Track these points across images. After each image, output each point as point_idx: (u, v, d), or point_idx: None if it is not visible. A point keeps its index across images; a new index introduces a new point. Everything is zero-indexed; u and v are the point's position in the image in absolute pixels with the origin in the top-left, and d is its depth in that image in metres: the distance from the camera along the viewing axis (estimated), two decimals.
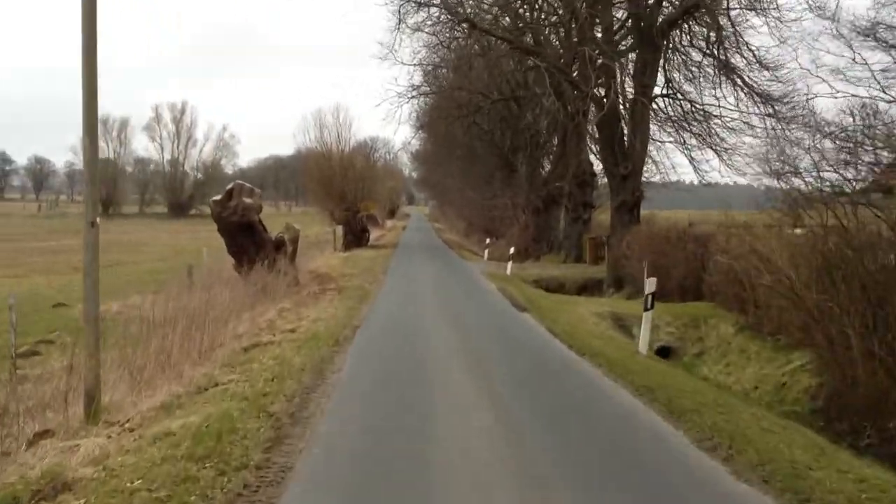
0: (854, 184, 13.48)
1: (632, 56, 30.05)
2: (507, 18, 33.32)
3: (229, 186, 20.89)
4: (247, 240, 20.73)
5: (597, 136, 35.56)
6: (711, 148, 28.40)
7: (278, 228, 23.00)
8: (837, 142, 13.15)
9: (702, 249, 20.78)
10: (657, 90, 28.51)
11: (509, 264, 28.87)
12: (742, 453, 6.33)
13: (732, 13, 25.33)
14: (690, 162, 30.59)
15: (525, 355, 11.32)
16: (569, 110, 31.68)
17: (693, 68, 27.97)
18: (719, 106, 27.02)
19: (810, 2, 21.18)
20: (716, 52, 25.67)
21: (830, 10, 18.62)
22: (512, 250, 31.81)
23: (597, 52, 26.14)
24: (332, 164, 46.02)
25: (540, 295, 22.19)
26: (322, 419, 7.32)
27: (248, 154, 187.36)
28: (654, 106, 28.73)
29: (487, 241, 42.22)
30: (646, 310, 12.35)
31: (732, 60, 25.88)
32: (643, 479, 5.79)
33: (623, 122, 27.49)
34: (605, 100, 26.57)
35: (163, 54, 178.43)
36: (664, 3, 26.93)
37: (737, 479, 5.76)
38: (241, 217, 20.39)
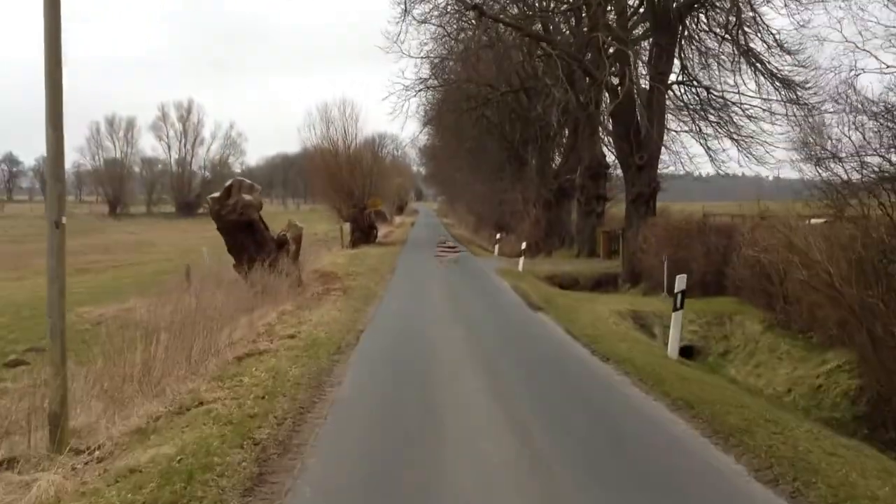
0: None
1: (644, 44, 29.06)
2: (516, 8, 32.39)
3: (228, 183, 19.98)
4: (247, 239, 19.81)
5: (610, 126, 34.62)
6: (730, 137, 27.27)
7: (285, 226, 22.09)
8: (883, 122, 11.98)
9: (724, 242, 19.74)
10: (672, 77, 27.40)
11: (521, 260, 27.85)
12: (811, 487, 5.35)
13: None
14: (707, 151, 29.49)
15: (545, 364, 10.33)
16: (581, 100, 30.58)
17: (710, 54, 26.81)
18: (738, 93, 25.91)
19: None
20: (735, 36, 24.50)
21: None
22: (524, 245, 30.78)
23: (610, 38, 25.10)
24: (339, 160, 45.07)
25: (554, 292, 21.19)
26: (315, 449, 6.37)
27: (257, 152, 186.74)
28: (669, 94, 27.62)
29: (497, 236, 41.18)
30: (675, 310, 11.32)
31: (752, 45, 24.74)
32: None
33: (638, 110, 26.38)
34: (619, 88, 25.52)
35: (169, 52, 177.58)
36: None
37: None
38: (241, 215, 19.46)
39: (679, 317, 11.35)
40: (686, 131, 30.34)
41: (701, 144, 29.26)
